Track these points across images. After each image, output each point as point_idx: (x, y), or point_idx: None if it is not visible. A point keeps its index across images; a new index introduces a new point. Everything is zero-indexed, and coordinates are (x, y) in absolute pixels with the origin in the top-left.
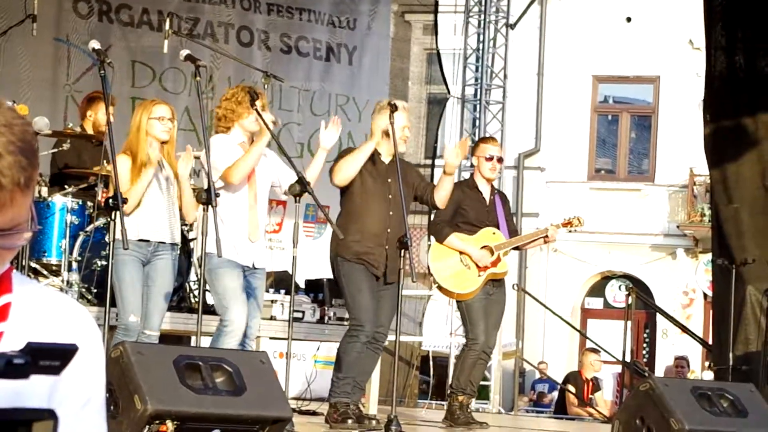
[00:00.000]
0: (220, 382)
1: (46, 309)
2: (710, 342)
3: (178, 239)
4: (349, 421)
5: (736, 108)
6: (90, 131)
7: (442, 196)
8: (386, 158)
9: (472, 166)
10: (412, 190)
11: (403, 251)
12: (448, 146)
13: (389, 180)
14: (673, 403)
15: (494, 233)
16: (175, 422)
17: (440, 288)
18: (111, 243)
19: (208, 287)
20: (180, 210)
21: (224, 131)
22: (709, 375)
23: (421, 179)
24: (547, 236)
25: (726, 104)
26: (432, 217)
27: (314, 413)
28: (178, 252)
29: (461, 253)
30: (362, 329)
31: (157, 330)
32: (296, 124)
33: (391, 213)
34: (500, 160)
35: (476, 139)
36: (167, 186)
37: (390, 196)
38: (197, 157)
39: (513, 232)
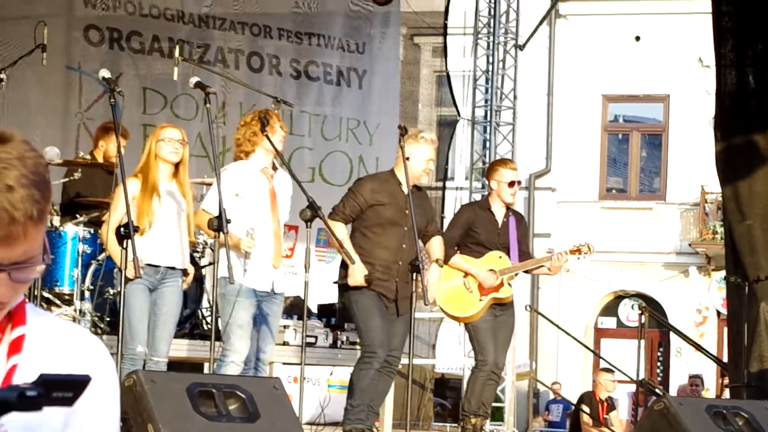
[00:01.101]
0: (233, 409)
1: (59, 341)
2: (725, 360)
3: (187, 264)
4: None
5: (747, 125)
6: (100, 160)
7: (433, 255)
8: (405, 189)
9: (483, 187)
10: (426, 221)
11: (414, 274)
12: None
13: (407, 212)
14: (688, 422)
15: (500, 257)
16: None
17: (442, 310)
18: (123, 271)
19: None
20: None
21: (244, 157)
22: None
23: (432, 220)
24: (550, 268)
25: (737, 121)
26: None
27: None
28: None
29: (466, 275)
30: (375, 356)
31: (165, 356)
32: (307, 148)
33: (404, 246)
34: (519, 183)
35: (487, 161)
36: (178, 210)
37: (405, 229)
38: (207, 184)
39: (525, 254)
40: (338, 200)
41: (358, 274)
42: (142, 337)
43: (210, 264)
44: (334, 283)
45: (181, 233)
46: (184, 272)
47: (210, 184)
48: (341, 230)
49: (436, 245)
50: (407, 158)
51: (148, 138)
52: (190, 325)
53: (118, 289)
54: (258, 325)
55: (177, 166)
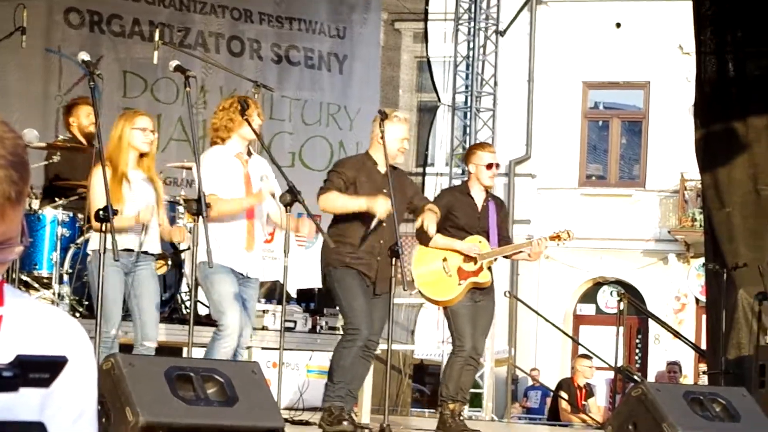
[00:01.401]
0: (211, 393)
1: (37, 322)
2: (703, 347)
3: (159, 248)
4: (345, 422)
5: (727, 112)
6: (80, 137)
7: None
8: (382, 168)
9: (463, 172)
10: (406, 201)
11: (394, 260)
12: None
13: (384, 191)
14: (665, 408)
15: (480, 242)
16: None
17: (421, 293)
18: (100, 254)
19: (203, 298)
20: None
21: (220, 142)
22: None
23: (416, 192)
24: (530, 254)
25: (716, 108)
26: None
27: (307, 423)
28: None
29: (445, 259)
30: (358, 333)
31: (155, 341)
32: (288, 133)
33: (384, 224)
34: (497, 166)
35: (467, 146)
36: (148, 196)
37: None
38: (187, 168)
39: (504, 239)
40: (317, 185)
41: (381, 204)
42: (115, 320)
43: (188, 248)
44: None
45: (152, 219)
46: (157, 257)
47: (189, 168)
48: (336, 194)
49: (435, 208)
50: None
51: (118, 121)
52: (169, 310)
53: (93, 271)
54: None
55: (141, 154)
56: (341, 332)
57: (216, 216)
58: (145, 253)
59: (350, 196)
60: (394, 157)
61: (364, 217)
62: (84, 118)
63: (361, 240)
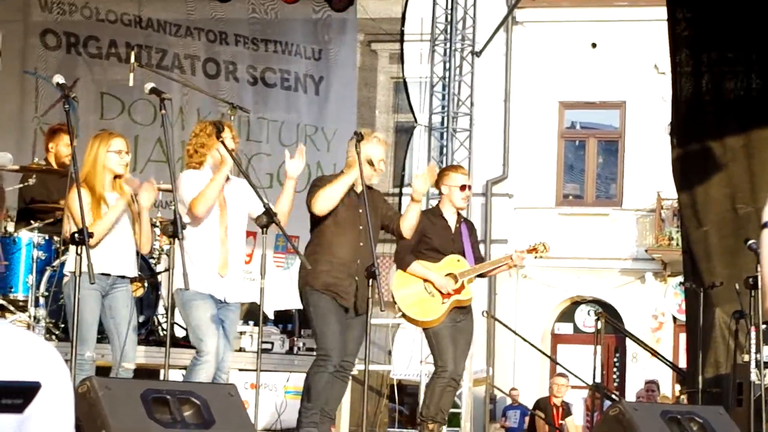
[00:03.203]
0: (188, 415)
1: (12, 347)
2: (681, 365)
3: (135, 272)
4: None
5: (703, 131)
6: (54, 165)
7: (408, 225)
8: (358, 188)
9: (440, 194)
10: (380, 219)
11: (370, 280)
12: (416, 173)
13: (360, 210)
14: (642, 427)
15: (458, 260)
16: None
17: (404, 316)
18: (77, 277)
19: (179, 320)
20: (137, 240)
21: (196, 167)
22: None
23: (389, 208)
24: (510, 263)
25: (693, 128)
26: (396, 245)
27: None
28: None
29: (425, 281)
30: (329, 359)
31: (134, 362)
32: (265, 154)
33: (361, 244)
34: (469, 188)
35: (443, 166)
36: (125, 219)
37: (361, 227)
38: (164, 190)
39: (479, 259)
40: (295, 206)
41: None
42: (91, 343)
43: (165, 270)
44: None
45: (128, 241)
46: (132, 279)
47: (165, 191)
48: (323, 189)
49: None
50: (368, 160)
51: (92, 143)
52: (146, 332)
53: (69, 294)
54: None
55: (115, 176)
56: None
57: (202, 212)
58: (122, 276)
59: (336, 178)
60: (369, 177)
61: (343, 237)
62: (63, 146)
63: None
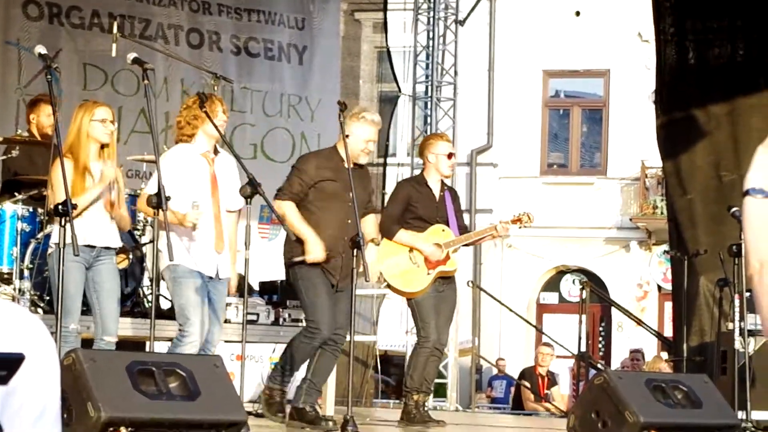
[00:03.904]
0: (173, 387)
1: None
2: (666, 334)
3: (119, 242)
4: (279, 414)
5: (687, 99)
6: (37, 136)
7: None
8: (347, 164)
9: (424, 162)
10: (367, 198)
11: (355, 251)
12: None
13: (350, 186)
14: (627, 396)
15: (443, 230)
16: (129, 429)
17: (389, 286)
18: (60, 249)
19: (166, 294)
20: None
21: (187, 140)
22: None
23: (372, 198)
24: (495, 233)
25: (677, 96)
26: (381, 215)
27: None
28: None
29: (411, 250)
30: (319, 332)
31: (115, 335)
32: (249, 125)
33: (349, 221)
34: (454, 155)
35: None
36: (109, 190)
37: (349, 204)
38: (148, 161)
39: (463, 228)
40: (280, 177)
41: (316, 250)
42: (75, 315)
43: (150, 242)
44: (286, 264)
45: (111, 212)
46: (118, 251)
47: (150, 161)
48: (290, 209)
49: (370, 223)
50: (347, 135)
51: (77, 112)
52: (131, 304)
53: (54, 266)
54: (204, 306)
55: (102, 145)
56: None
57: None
58: (107, 247)
59: (300, 220)
60: (357, 156)
61: (330, 213)
62: (45, 117)
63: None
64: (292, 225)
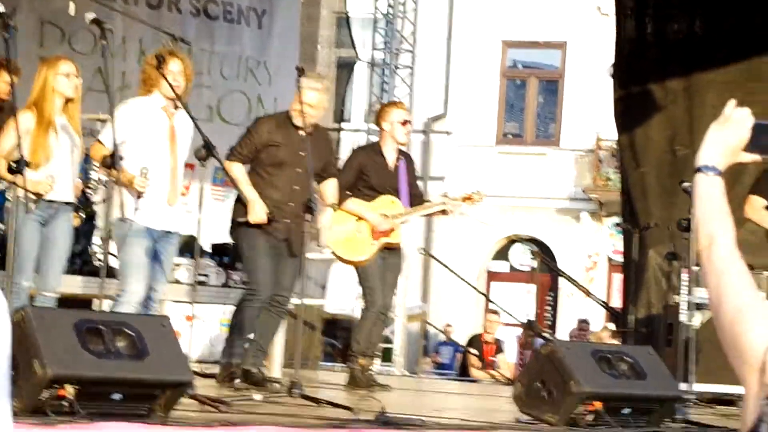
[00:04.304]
0: (121, 346)
1: None
2: (613, 305)
3: (74, 199)
4: (237, 381)
5: (645, 73)
6: None
7: (327, 198)
8: (301, 130)
9: (381, 131)
10: (323, 162)
11: (308, 215)
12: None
13: (301, 153)
14: (573, 365)
15: (393, 202)
16: (75, 387)
17: (334, 253)
18: (16, 205)
19: (114, 248)
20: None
21: (145, 93)
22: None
23: (329, 163)
24: (444, 210)
25: (635, 70)
26: None
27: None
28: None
29: (357, 220)
30: (257, 294)
31: (55, 291)
32: (206, 87)
33: (296, 187)
34: (410, 123)
35: (384, 103)
36: (71, 146)
37: (299, 170)
38: (103, 120)
39: (416, 197)
40: (235, 139)
41: (259, 211)
42: (28, 273)
43: (103, 201)
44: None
45: (74, 168)
46: (75, 208)
47: (104, 120)
48: (239, 170)
49: (330, 188)
50: (302, 101)
51: (41, 68)
52: (81, 262)
53: (9, 222)
54: (151, 264)
55: (67, 100)
56: None
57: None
58: (67, 203)
59: (245, 181)
60: (305, 117)
61: (278, 178)
62: (2, 83)
63: (244, 222)
64: (237, 182)
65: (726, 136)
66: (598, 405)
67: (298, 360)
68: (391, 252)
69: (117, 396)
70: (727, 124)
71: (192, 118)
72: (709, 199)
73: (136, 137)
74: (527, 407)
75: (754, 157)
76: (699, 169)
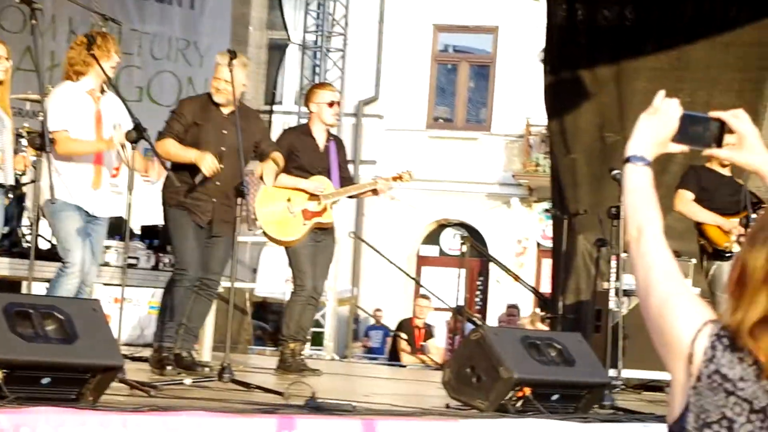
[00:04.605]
0: (51, 330)
1: None
2: (542, 290)
3: (11, 181)
4: (168, 367)
5: (575, 60)
6: None
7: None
8: (225, 109)
9: (309, 112)
10: (254, 141)
11: (239, 199)
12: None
13: (224, 132)
14: (502, 351)
15: (324, 182)
16: (4, 370)
17: (265, 234)
18: None
19: (46, 234)
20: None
21: (74, 77)
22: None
23: (264, 137)
24: (376, 189)
25: (565, 56)
26: None
27: (148, 360)
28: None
29: (288, 200)
30: (185, 273)
31: None
32: (136, 67)
33: (221, 166)
34: (338, 104)
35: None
36: (1, 127)
37: (223, 148)
38: (32, 100)
39: (346, 179)
40: (165, 120)
41: (208, 161)
42: None
43: (32, 182)
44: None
45: (5, 149)
46: (7, 189)
47: (34, 101)
48: (172, 143)
49: (266, 168)
50: (228, 81)
51: None
52: (9, 243)
53: None
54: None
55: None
56: None
57: (63, 154)
58: (1, 185)
59: (182, 147)
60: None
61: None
62: None
63: (191, 188)
64: (177, 155)
65: (655, 126)
66: (527, 391)
67: (228, 344)
68: (324, 235)
69: (46, 380)
70: (657, 114)
71: (122, 99)
72: (638, 189)
73: (64, 123)
74: (457, 393)
75: (683, 148)
76: (628, 159)
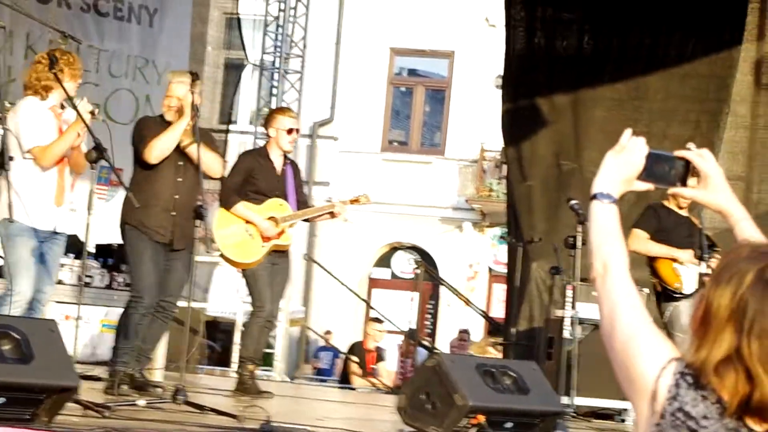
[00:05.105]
0: (7, 350)
1: None
2: (493, 315)
3: None
4: (124, 387)
5: (533, 87)
6: None
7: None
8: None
9: (267, 136)
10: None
11: (197, 220)
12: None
13: (181, 145)
14: (458, 379)
15: (281, 204)
16: None
17: (223, 256)
18: None
19: (1, 252)
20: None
21: (42, 93)
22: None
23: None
24: (333, 212)
25: (523, 83)
26: (221, 183)
27: (99, 379)
28: None
29: (247, 222)
30: (141, 301)
31: None
32: (93, 84)
33: (180, 179)
34: (297, 131)
35: (273, 107)
36: None
37: (180, 163)
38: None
39: (302, 203)
40: (121, 138)
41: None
42: None
43: None
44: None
45: None
46: None
47: None
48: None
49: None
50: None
51: None
52: None
53: None
54: (37, 265)
55: None
56: None
57: (49, 164)
58: None
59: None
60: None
61: (160, 173)
62: None
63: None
64: (165, 134)
65: (621, 164)
66: (481, 418)
67: (184, 365)
68: (280, 258)
69: (1, 400)
70: (623, 152)
71: (82, 119)
72: (604, 226)
73: (35, 139)
74: (411, 419)
75: (648, 186)
76: (595, 197)
